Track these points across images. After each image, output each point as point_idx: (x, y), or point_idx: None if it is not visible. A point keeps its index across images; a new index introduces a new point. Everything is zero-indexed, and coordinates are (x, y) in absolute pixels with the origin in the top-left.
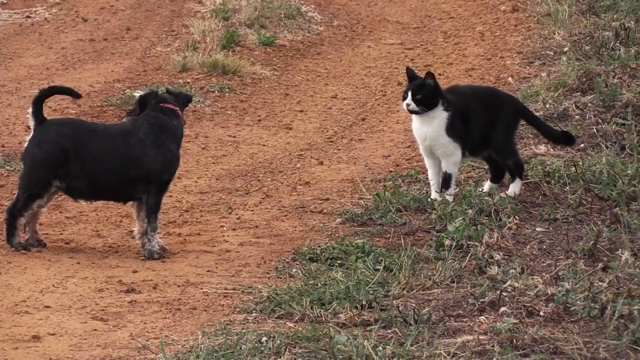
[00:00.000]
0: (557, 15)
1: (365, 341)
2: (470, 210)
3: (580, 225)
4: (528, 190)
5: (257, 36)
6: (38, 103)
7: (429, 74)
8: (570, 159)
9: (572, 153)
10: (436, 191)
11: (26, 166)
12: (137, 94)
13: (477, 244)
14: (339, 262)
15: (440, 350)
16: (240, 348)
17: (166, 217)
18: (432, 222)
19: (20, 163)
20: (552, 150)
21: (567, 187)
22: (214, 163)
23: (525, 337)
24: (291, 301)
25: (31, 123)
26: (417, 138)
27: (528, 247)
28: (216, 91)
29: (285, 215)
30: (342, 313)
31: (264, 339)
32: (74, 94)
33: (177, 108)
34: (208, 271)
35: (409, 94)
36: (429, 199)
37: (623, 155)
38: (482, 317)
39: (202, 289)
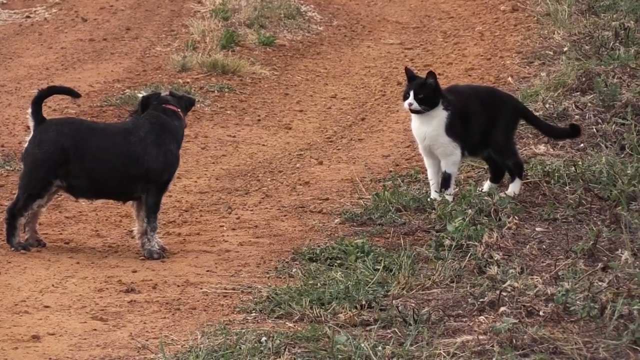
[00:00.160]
0: (556, 15)
1: (365, 341)
2: (469, 210)
3: (580, 225)
4: (528, 190)
5: (256, 36)
6: (37, 103)
7: (431, 74)
8: (569, 159)
9: (572, 153)
10: (436, 191)
11: (26, 166)
12: (141, 94)
13: (476, 243)
14: (338, 262)
15: (440, 350)
16: (240, 348)
17: (166, 217)
18: (431, 221)
19: (20, 163)
20: (551, 150)
21: (567, 187)
22: (213, 163)
23: (525, 337)
24: (291, 301)
25: (31, 123)
26: (417, 138)
27: (528, 247)
28: (216, 91)
29: (284, 215)
30: (341, 313)
31: (264, 339)
32: (73, 93)
33: (179, 110)
34: (207, 271)
35: (411, 93)
36: (428, 199)
37: (623, 155)
38: (482, 317)
39: (201, 288)
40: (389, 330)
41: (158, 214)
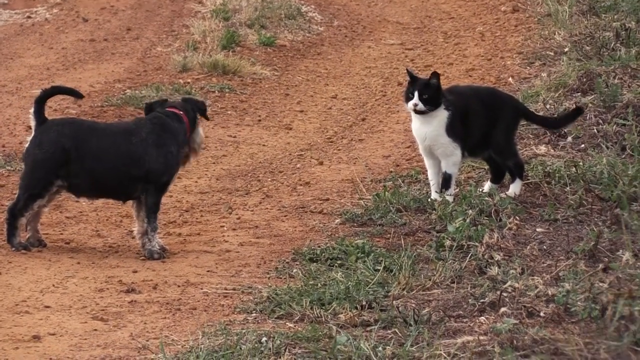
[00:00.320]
0: (557, 15)
1: (365, 342)
2: (470, 211)
3: (581, 225)
4: (528, 190)
5: (257, 36)
6: (40, 103)
7: (435, 74)
8: (570, 160)
9: (573, 153)
10: (436, 191)
11: (27, 166)
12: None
13: (477, 244)
14: (339, 262)
15: (441, 350)
16: (240, 348)
17: (166, 217)
18: (432, 222)
19: (20, 163)
20: (552, 150)
21: (568, 188)
22: (214, 163)
23: (526, 337)
24: (291, 301)
25: (32, 123)
26: (417, 138)
27: (528, 247)
28: (216, 91)
29: (285, 216)
30: (342, 313)
31: (264, 339)
32: (76, 94)
33: (182, 113)
34: (208, 271)
35: (416, 94)
36: (429, 199)
37: (624, 156)
38: (483, 317)
39: (202, 289)
40: (389, 331)
41: (158, 214)
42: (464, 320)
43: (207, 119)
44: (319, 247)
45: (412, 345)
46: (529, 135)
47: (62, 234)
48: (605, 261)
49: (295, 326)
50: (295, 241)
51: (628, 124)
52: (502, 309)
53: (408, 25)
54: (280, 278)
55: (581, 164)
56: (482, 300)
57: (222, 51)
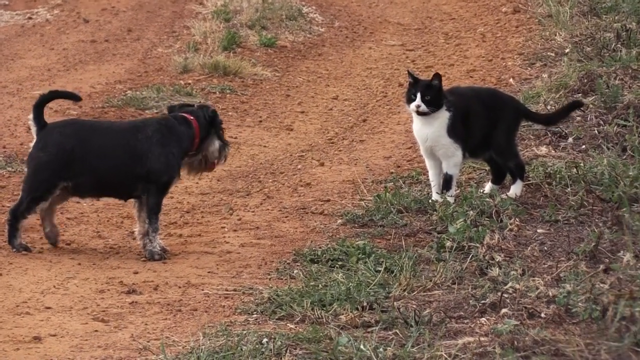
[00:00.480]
0: (558, 16)
1: (366, 343)
2: (471, 212)
3: (582, 226)
4: (529, 191)
5: (258, 37)
6: (39, 108)
7: (437, 75)
8: (571, 161)
9: (574, 154)
10: (437, 192)
11: (30, 169)
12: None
13: (478, 245)
14: (339, 263)
15: (441, 351)
16: (241, 349)
17: (167, 218)
18: (433, 223)
19: (21, 164)
20: (553, 151)
21: (569, 189)
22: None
23: (527, 338)
24: (292, 302)
25: (33, 128)
26: (418, 139)
27: (529, 248)
28: (217, 92)
29: (286, 217)
30: (343, 314)
31: (265, 340)
32: (74, 97)
33: (193, 118)
34: (209, 272)
35: (418, 95)
36: (430, 200)
37: (624, 157)
38: (483, 318)
39: (203, 290)
40: (390, 332)
41: (159, 215)
42: (465, 321)
43: (215, 127)
44: (320, 248)
45: (413, 346)
46: (530, 136)
47: (63, 235)
48: (606, 262)
49: (296, 327)
50: (296, 242)
51: (629, 125)
52: (503, 310)
53: (409, 26)
54: (281, 279)
55: (582, 165)
56: (483, 301)
57: (223, 52)
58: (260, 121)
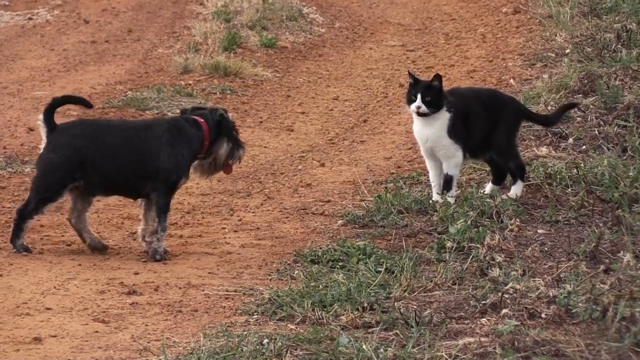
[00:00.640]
0: (558, 17)
1: (367, 343)
2: (471, 212)
3: (582, 227)
4: (530, 192)
5: (258, 38)
6: (50, 112)
7: (437, 76)
8: (572, 161)
9: (574, 155)
10: (438, 193)
11: (40, 170)
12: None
13: (478, 246)
14: (340, 264)
15: (442, 352)
16: (242, 350)
17: (168, 219)
18: (433, 224)
19: (22, 165)
20: (553, 152)
21: (569, 189)
22: None
23: (527, 339)
24: (292, 303)
25: (43, 130)
26: (419, 140)
27: (530, 249)
28: (218, 93)
29: (286, 217)
30: (343, 315)
31: (265, 341)
32: (86, 103)
33: (203, 121)
34: (209, 273)
35: (419, 96)
36: (430, 201)
37: (625, 157)
38: (484, 319)
39: (203, 290)
40: (390, 333)
41: (168, 215)
42: (466, 321)
43: (224, 130)
44: (321, 248)
45: (413, 347)
46: (530, 137)
47: (63, 235)
48: (606, 262)
49: (296, 328)
50: (296, 243)
51: (629, 126)
52: (504, 311)
53: (409, 26)
54: (282, 280)
55: (582, 165)
56: (483, 302)
57: (223, 53)
58: (261, 122)
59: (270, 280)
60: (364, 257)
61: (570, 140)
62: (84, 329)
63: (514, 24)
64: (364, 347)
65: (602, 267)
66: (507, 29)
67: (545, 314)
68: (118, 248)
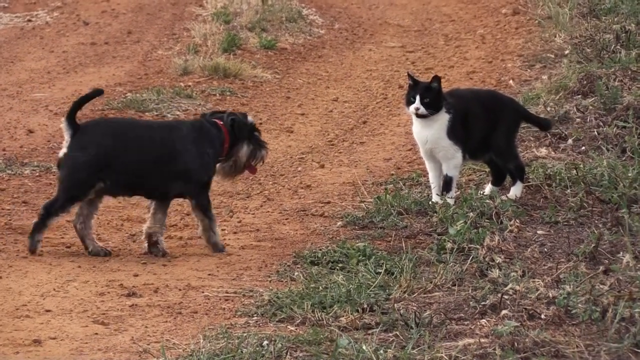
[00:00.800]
0: (558, 18)
1: (367, 345)
2: (471, 213)
3: (582, 228)
4: (529, 193)
5: (258, 39)
6: (72, 115)
7: (436, 78)
8: (571, 162)
9: (573, 156)
10: (437, 194)
11: (68, 169)
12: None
13: (478, 247)
14: (340, 265)
15: (442, 353)
16: (242, 352)
17: (167, 221)
18: (433, 225)
19: (21, 167)
20: (553, 153)
21: (568, 190)
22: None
23: (527, 340)
24: (292, 304)
25: (66, 132)
26: (418, 141)
27: (529, 250)
28: (217, 94)
29: (286, 219)
30: (343, 316)
31: (265, 342)
32: (98, 92)
33: (222, 124)
34: (209, 275)
35: (417, 98)
36: (430, 202)
37: (624, 158)
38: (484, 320)
39: (203, 292)
40: (390, 334)
41: (212, 208)
42: (465, 322)
43: (239, 132)
44: (320, 250)
45: (413, 348)
46: (530, 138)
47: (63, 237)
48: (605, 263)
49: (296, 329)
50: (296, 244)
51: (628, 127)
52: (503, 312)
53: (409, 28)
54: (282, 281)
55: (582, 166)
56: (483, 303)
57: (223, 54)
58: (261, 123)
59: (270, 281)
60: (363, 258)
61: (570, 141)
62: (83, 331)
63: (513, 25)
64: (363, 348)
65: (601, 268)
66: (506, 30)
67: (545, 315)
68: (118, 250)
